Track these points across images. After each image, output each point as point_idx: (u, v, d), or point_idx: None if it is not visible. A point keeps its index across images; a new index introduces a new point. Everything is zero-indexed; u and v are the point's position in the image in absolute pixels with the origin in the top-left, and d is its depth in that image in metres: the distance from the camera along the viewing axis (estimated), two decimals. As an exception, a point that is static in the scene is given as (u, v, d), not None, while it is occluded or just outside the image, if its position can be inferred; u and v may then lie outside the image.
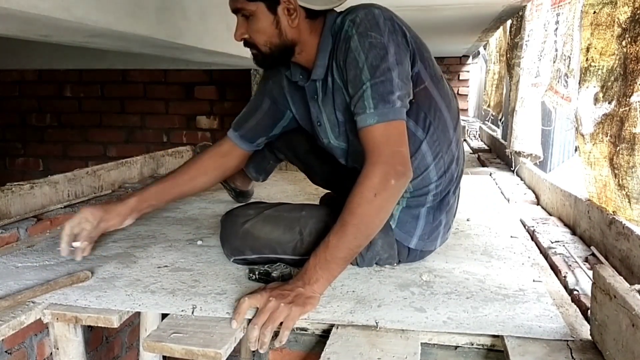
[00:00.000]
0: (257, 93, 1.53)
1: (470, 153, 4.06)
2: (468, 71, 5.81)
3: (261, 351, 1.04)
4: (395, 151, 1.16)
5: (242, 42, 1.30)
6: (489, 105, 4.15)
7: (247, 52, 1.36)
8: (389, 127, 1.16)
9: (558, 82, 1.87)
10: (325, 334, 1.07)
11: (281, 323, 1.04)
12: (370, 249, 1.31)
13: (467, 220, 1.88)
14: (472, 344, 1.04)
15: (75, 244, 1.34)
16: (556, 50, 1.96)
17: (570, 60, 1.75)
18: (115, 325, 1.10)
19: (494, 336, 1.02)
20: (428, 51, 1.31)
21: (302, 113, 1.46)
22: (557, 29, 1.98)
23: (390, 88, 1.16)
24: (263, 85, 1.51)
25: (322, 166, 1.66)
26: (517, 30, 2.76)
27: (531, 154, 2.53)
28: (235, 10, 1.28)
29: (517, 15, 2.80)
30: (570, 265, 1.33)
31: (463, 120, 5.43)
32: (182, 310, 1.11)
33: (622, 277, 0.96)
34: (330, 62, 1.29)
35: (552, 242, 1.54)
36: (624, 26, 1.29)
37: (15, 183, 1.76)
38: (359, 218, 1.13)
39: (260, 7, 1.23)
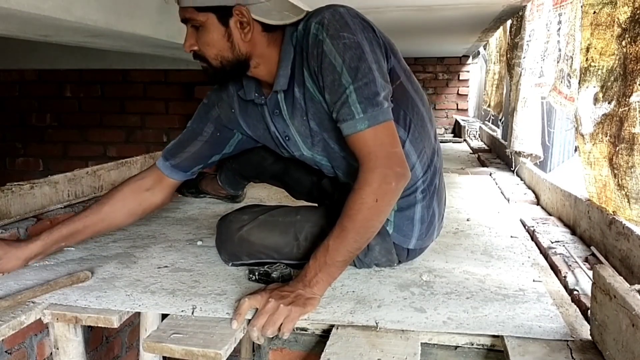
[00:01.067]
0: (197, 121, 1.42)
1: (470, 153, 4.06)
2: (468, 71, 5.82)
3: (259, 342, 1.05)
4: (390, 153, 1.13)
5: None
6: (489, 105, 4.15)
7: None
8: (381, 129, 1.13)
9: (561, 82, 1.87)
10: (325, 334, 1.07)
11: (281, 324, 1.04)
12: (369, 255, 1.30)
13: (467, 220, 1.88)
14: (472, 344, 1.04)
15: None
16: (559, 50, 1.96)
17: (572, 61, 1.75)
18: (115, 325, 1.10)
19: (494, 336, 1.02)
20: (395, 45, 1.29)
21: (261, 132, 1.38)
22: (559, 29, 1.98)
23: (375, 89, 1.12)
24: (205, 112, 1.41)
25: (299, 178, 1.58)
26: (517, 30, 2.76)
27: (531, 154, 2.54)
28: (184, 20, 1.20)
29: (517, 15, 2.80)
30: (570, 265, 1.33)
31: (463, 120, 5.44)
32: (182, 311, 1.11)
33: (622, 277, 0.96)
34: (294, 72, 1.22)
35: (552, 242, 1.54)
36: (623, 26, 1.29)
37: (15, 183, 1.76)
38: (360, 223, 1.12)
39: (211, 19, 1.16)
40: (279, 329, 1.03)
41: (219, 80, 1.29)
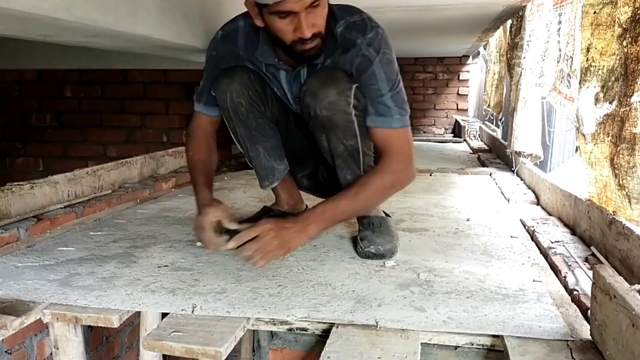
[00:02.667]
0: (213, 70, 1.53)
1: (470, 153, 4.06)
2: (468, 71, 5.82)
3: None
4: (412, 155, 1.43)
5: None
6: (489, 105, 4.16)
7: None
8: (408, 132, 1.43)
9: (561, 82, 1.87)
10: (325, 334, 1.07)
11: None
12: None
13: (467, 220, 1.88)
14: (472, 344, 1.04)
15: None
16: (559, 50, 1.96)
17: (572, 61, 1.75)
18: (115, 325, 1.10)
19: (494, 336, 1.02)
20: None
21: (276, 86, 1.53)
22: (559, 28, 1.98)
23: (404, 97, 1.41)
24: (216, 62, 1.52)
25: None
26: (517, 30, 2.76)
27: (531, 154, 2.53)
28: (308, 6, 1.25)
29: (517, 15, 2.80)
30: (570, 265, 1.33)
31: (463, 120, 5.44)
32: (182, 310, 1.11)
33: (622, 277, 0.96)
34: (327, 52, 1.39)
35: (552, 242, 1.54)
36: (624, 26, 1.29)
37: (15, 183, 1.76)
38: (372, 199, 1.42)
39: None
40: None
41: (321, 51, 1.37)
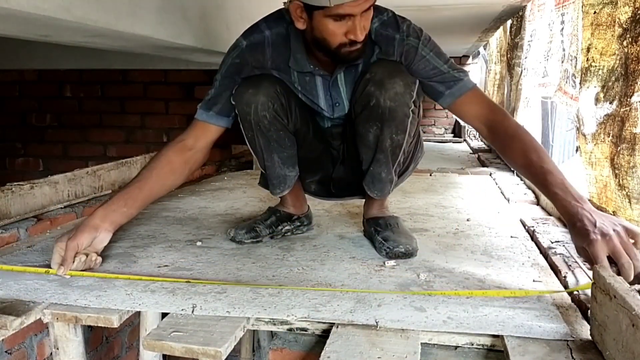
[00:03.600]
0: (229, 77, 1.48)
1: (470, 153, 4.06)
2: (468, 71, 5.81)
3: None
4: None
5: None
6: (489, 105, 4.15)
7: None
8: (480, 89, 1.47)
9: (566, 82, 1.87)
10: (325, 334, 1.07)
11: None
12: None
13: (467, 220, 1.88)
14: (472, 344, 1.04)
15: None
16: (563, 50, 1.96)
17: (577, 60, 1.75)
18: (115, 325, 1.10)
19: (494, 336, 1.02)
20: None
21: (306, 94, 1.51)
22: (562, 28, 1.98)
23: (457, 65, 1.45)
24: (238, 70, 1.47)
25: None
26: (517, 31, 2.76)
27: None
28: (365, 9, 1.28)
29: (517, 15, 2.80)
30: (570, 265, 1.33)
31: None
32: (182, 310, 1.11)
33: (622, 277, 0.96)
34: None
35: (552, 242, 1.53)
36: (624, 26, 1.29)
37: (15, 183, 1.76)
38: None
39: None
40: None
41: (363, 53, 1.39)
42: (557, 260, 1.38)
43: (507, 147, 1.36)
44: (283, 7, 1.44)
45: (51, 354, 1.24)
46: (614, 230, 1.07)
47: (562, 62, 1.96)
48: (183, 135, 1.52)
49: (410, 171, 1.66)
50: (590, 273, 1.20)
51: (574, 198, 1.16)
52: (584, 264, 1.34)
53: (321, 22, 1.28)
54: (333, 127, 1.59)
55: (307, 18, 1.30)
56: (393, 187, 1.56)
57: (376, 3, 1.40)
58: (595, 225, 1.09)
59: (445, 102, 1.44)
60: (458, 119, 5.52)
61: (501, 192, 2.38)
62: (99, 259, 1.35)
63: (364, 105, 1.40)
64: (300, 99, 1.51)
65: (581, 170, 1.57)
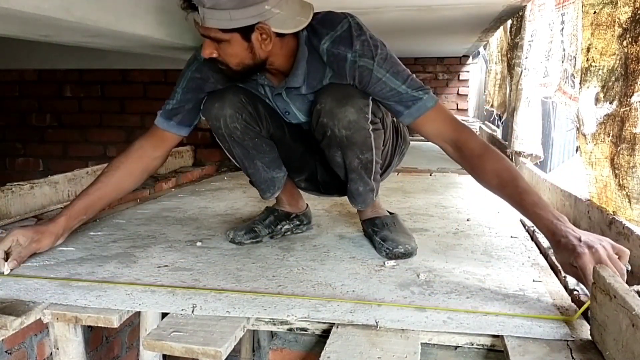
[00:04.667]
0: (192, 92, 1.49)
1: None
2: (468, 71, 5.81)
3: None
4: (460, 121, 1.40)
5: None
6: (491, 105, 4.16)
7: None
8: (443, 106, 1.39)
9: (566, 82, 1.87)
10: (325, 334, 1.07)
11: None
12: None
13: (467, 220, 1.88)
14: (472, 344, 1.04)
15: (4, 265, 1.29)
16: (563, 50, 1.96)
17: (576, 60, 1.75)
18: (115, 325, 1.10)
19: (494, 336, 1.02)
20: None
21: (260, 97, 1.50)
22: (562, 28, 1.98)
23: (418, 80, 1.36)
24: (199, 85, 1.48)
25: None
26: (517, 30, 2.76)
27: (531, 154, 2.53)
28: (205, 36, 1.27)
29: (517, 15, 2.80)
30: (570, 265, 1.33)
31: (464, 120, 5.44)
32: (182, 310, 1.11)
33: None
34: (308, 70, 1.38)
35: (552, 242, 1.53)
36: (624, 26, 1.29)
37: (15, 183, 1.76)
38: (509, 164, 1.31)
39: (235, 37, 1.25)
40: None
41: (237, 80, 1.41)
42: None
43: (477, 168, 1.32)
44: None
45: (51, 354, 1.24)
46: (600, 244, 1.06)
47: (562, 62, 1.96)
48: (142, 142, 1.53)
49: (395, 164, 1.66)
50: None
51: (555, 217, 1.14)
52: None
53: None
54: (308, 126, 1.56)
55: None
56: (376, 192, 1.55)
57: (332, 10, 1.38)
58: (580, 240, 1.07)
59: (405, 121, 1.39)
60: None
61: (501, 192, 2.37)
62: (13, 263, 1.31)
63: (321, 135, 1.40)
64: (267, 104, 1.51)
65: (581, 170, 1.56)
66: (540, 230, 1.19)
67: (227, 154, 1.57)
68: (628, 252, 1.07)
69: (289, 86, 1.40)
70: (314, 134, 1.45)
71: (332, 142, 1.39)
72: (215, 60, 1.32)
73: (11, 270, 1.29)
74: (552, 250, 1.46)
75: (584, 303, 1.10)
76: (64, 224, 1.41)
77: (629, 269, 1.05)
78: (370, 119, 1.38)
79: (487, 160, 1.29)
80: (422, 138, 1.44)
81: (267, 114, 1.50)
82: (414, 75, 1.37)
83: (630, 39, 1.26)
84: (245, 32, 1.24)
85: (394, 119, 1.58)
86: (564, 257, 1.10)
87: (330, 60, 1.35)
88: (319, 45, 1.35)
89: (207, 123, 1.49)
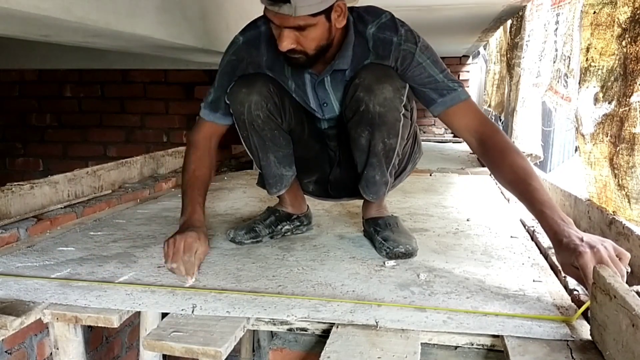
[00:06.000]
0: (227, 76, 1.49)
1: (471, 153, 4.06)
2: (468, 71, 5.81)
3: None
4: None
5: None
6: (489, 105, 4.16)
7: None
8: (473, 101, 1.44)
9: (558, 82, 1.87)
10: (325, 334, 1.07)
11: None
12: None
13: (467, 220, 1.88)
14: (472, 344, 1.04)
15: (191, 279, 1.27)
16: (556, 50, 1.97)
17: (570, 60, 1.75)
18: (115, 325, 1.10)
19: (494, 336, 1.02)
20: None
21: (294, 92, 1.51)
22: (557, 29, 1.98)
23: (453, 75, 1.42)
24: (234, 67, 1.49)
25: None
26: (517, 30, 2.76)
27: (531, 154, 2.54)
28: (289, 27, 1.27)
29: (517, 15, 2.80)
30: (570, 265, 1.33)
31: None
32: (182, 310, 1.11)
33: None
34: (354, 53, 1.40)
35: (552, 242, 1.53)
36: (624, 26, 1.29)
37: (15, 183, 1.76)
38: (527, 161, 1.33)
39: (321, 19, 1.27)
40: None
41: (308, 65, 1.39)
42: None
43: (496, 162, 1.34)
44: None
45: (51, 354, 1.24)
46: (602, 244, 1.06)
47: (555, 62, 1.97)
48: (195, 136, 1.54)
49: (407, 172, 1.66)
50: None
51: (561, 218, 1.15)
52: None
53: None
54: (329, 129, 1.59)
55: None
56: (389, 189, 1.55)
57: (374, 5, 1.42)
58: (582, 240, 1.08)
59: (436, 111, 1.42)
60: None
61: (501, 192, 2.38)
62: (195, 275, 1.29)
63: (354, 110, 1.40)
64: (294, 98, 1.51)
65: (581, 170, 1.57)
66: (544, 230, 1.19)
67: (243, 143, 1.56)
68: (629, 255, 1.07)
69: (336, 68, 1.41)
70: (345, 112, 1.45)
71: (364, 118, 1.39)
72: (292, 52, 1.32)
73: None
74: (552, 251, 1.46)
75: (584, 303, 1.10)
76: (204, 223, 1.43)
77: (629, 271, 1.06)
78: (404, 103, 1.40)
79: (507, 156, 1.31)
80: (423, 138, 1.44)
81: (292, 109, 1.50)
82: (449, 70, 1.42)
83: (629, 39, 1.26)
84: (328, 11, 1.27)
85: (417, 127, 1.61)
86: (565, 257, 1.10)
87: (376, 44, 1.39)
88: (365, 30, 1.39)
89: (230, 109, 1.48)
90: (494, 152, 1.35)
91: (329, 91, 1.47)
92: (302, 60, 1.35)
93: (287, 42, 1.28)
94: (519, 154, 1.32)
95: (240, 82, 1.45)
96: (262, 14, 1.48)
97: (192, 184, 1.49)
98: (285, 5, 1.21)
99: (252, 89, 1.42)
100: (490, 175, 2.78)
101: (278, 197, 1.68)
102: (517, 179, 1.27)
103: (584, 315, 1.07)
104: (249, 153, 1.58)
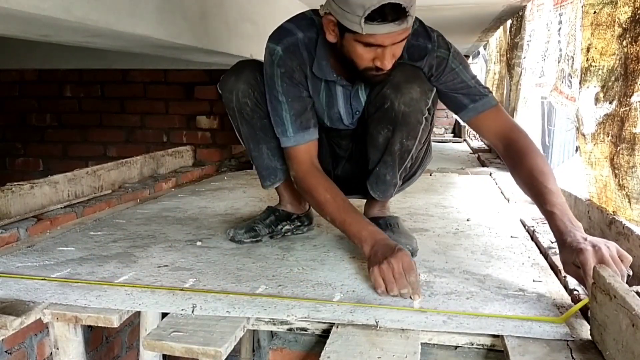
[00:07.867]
0: (291, 86, 1.41)
1: (470, 153, 4.06)
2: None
3: None
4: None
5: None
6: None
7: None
8: (502, 107, 1.46)
9: (562, 82, 1.87)
10: (325, 334, 1.07)
11: None
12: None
13: (467, 220, 1.88)
14: (472, 344, 1.04)
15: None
16: (560, 50, 1.96)
17: (573, 60, 1.75)
18: (115, 324, 1.10)
19: (494, 336, 1.02)
20: None
21: (320, 102, 1.47)
22: (560, 29, 1.98)
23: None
24: (290, 77, 1.41)
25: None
26: (517, 30, 2.76)
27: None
28: (398, 41, 1.24)
29: (517, 15, 2.80)
30: (570, 265, 1.33)
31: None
32: (182, 309, 1.11)
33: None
34: None
35: (552, 242, 1.53)
36: (624, 26, 1.29)
37: (15, 183, 1.76)
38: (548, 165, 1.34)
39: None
40: None
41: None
42: (557, 260, 1.38)
43: (517, 164, 1.34)
44: (306, 10, 1.43)
45: (51, 354, 1.24)
46: (605, 245, 1.06)
47: (559, 62, 1.97)
48: (301, 170, 1.43)
49: (416, 177, 1.64)
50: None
51: (570, 221, 1.16)
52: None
53: (351, 44, 1.25)
54: (345, 129, 1.57)
55: (339, 35, 1.28)
56: (396, 191, 1.55)
57: None
58: (586, 240, 1.09)
59: (466, 115, 1.43)
60: (457, 119, 5.52)
61: (501, 192, 2.38)
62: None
63: (378, 106, 1.40)
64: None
65: (581, 170, 1.57)
66: (551, 230, 1.20)
67: (237, 134, 1.56)
68: (631, 258, 1.07)
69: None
70: (368, 107, 1.45)
71: (387, 115, 1.38)
72: (376, 69, 1.28)
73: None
74: (552, 251, 1.46)
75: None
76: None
77: (630, 274, 1.06)
78: (428, 106, 1.40)
79: (528, 158, 1.32)
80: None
81: None
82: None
83: (630, 39, 1.26)
84: None
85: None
86: (567, 255, 1.11)
87: (409, 51, 1.37)
88: None
89: (222, 99, 1.48)
90: (516, 154, 1.35)
91: (362, 99, 1.47)
92: (387, 73, 1.31)
93: (392, 56, 1.26)
94: (541, 157, 1.34)
95: (230, 71, 1.47)
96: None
97: (346, 208, 1.36)
98: (407, 18, 1.19)
99: (239, 77, 1.44)
100: (490, 175, 2.78)
101: (278, 196, 1.68)
102: (533, 181, 1.28)
103: (584, 315, 1.07)
104: (243, 144, 1.58)
